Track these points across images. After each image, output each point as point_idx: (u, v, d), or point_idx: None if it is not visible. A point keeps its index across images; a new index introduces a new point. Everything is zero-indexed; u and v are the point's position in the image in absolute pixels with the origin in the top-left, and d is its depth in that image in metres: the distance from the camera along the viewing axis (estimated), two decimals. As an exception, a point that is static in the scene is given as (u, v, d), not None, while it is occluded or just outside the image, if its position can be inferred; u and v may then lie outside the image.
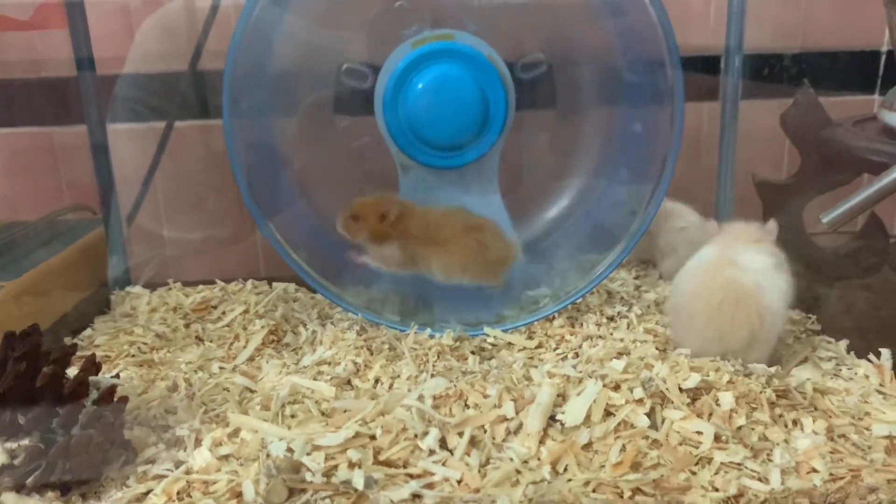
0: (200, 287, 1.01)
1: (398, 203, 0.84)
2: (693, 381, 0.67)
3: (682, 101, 0.83)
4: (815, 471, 0.60)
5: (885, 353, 0.76)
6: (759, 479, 0.59)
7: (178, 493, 0.59)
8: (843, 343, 0.81)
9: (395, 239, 0.84)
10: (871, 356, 0.77)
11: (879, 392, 0.71)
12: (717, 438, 0.63)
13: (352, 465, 0.60)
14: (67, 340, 0.86)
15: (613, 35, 0.89)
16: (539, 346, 0.82)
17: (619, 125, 0.92)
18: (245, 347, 0.83)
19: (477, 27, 0.86)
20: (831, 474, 0.60)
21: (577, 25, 0.90)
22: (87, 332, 0.89)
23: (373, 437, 0.63)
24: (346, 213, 0.84)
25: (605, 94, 0.93)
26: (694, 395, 0.68)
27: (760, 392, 0.67)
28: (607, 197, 0.93)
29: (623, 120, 0.92)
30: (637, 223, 0.87)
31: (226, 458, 0.62)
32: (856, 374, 0.75)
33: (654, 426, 0.65)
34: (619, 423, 0.65)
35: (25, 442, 0.57)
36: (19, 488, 0.58)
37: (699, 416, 0.65)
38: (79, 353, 0.72)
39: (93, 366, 0.63)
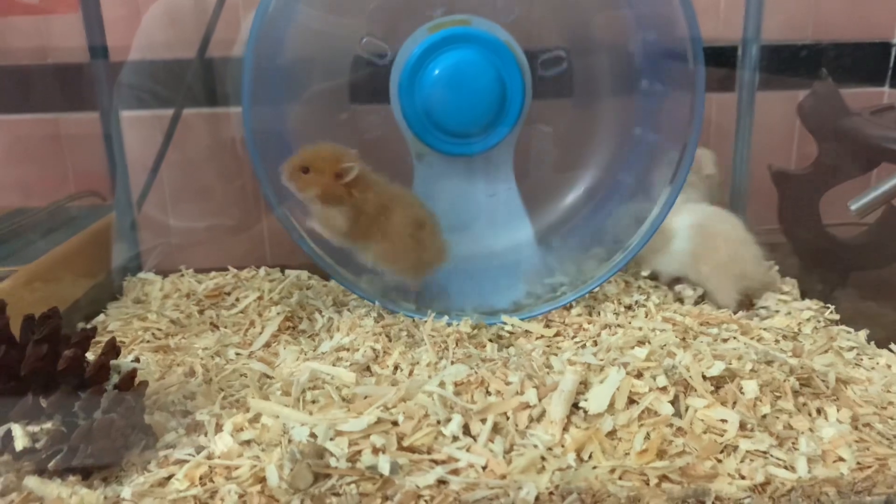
0: (213, 274, 1.00)
1: (356, 161, 0.77)
2: (717, 368, 0.67)
3: (703, 91, 0.82)
4: (841, 459, 0.60)
5: (906, 342, 0.76)
6: (786, 468, 0.59)
7: (201, 478, 0.58)
8: (864, 333, 0.80)
9: (347, 205, 0.77)
10: (893, 346, 0.77)
11: (902, 382, 0.71)
12: (741, 426, 0.63)
13: (376, 451, 0.59)
14: (80, 326, 0.85)
15: (633, 24, 0.88)
16: (557, 334, 0.82)
17: (637, 115, 0.92)
18: (261, 334, 0.82)
19: (493, 13, 0.85)
20: (858, 463, 0.59)
21: (596, 12, 0.90)
22: (100, 317, 0.89)
23: (395, 424, 0.63)
24: (296, 161, 0.76)
25: (624, 84, 0.92)
26: (717, 383, 0.67)
27: (784, 381, 0.67)
28: (624, 186, 0.93)
29: (641, 110, 0.91)
30: (655, 212, 0.87)
31: (247, 443, 0.62)
32: (877, 363, 0.75)
33: (678, 414, 0.64)
34: (642, 411, 0.64)
35: (48, 425, 0.57)
36: (41, 472, 0.57)
37: (723, 404, 0.65)
38: (95, 339, 0.71)
39: (113, 349, 0.63)
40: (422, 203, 0.84)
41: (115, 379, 0.62)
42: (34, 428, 0.56)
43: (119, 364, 0.64)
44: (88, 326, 0.80)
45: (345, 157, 0.77)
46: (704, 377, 0.67)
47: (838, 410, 0.66)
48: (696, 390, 0.66)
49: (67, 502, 0.55)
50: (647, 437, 0.62)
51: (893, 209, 0.91)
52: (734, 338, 0.78)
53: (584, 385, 0.67)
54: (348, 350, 0.77)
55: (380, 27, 0.89)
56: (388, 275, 0.86)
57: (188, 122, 1.10)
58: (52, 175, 1.15)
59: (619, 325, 0.82)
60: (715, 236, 0.89)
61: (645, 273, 0.95)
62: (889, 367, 0.74)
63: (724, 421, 0.63)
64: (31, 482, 0.57)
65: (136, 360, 0.71)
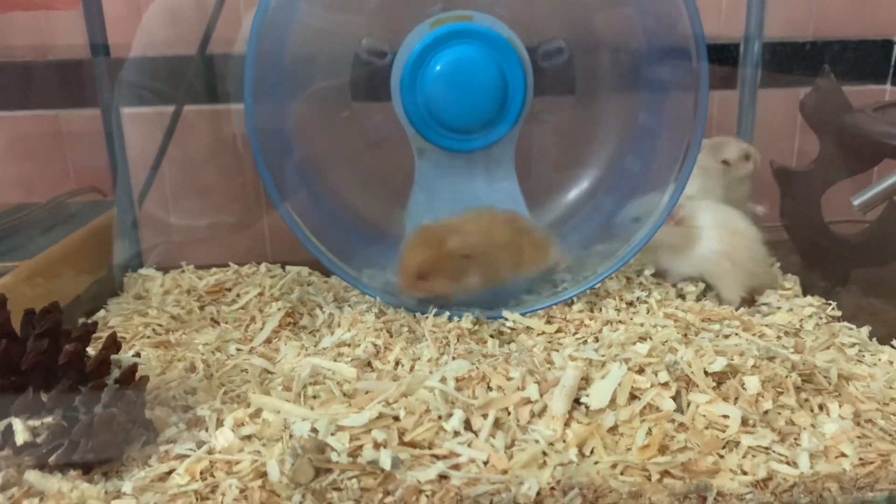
0: (213, 270, 1.00)
1: (447, 237, 0.80)
2: (719, 364, 0.67)
3: (707, 88, 0.82)
4: (843, 455, 0.60)
5: (909, 339, 0.76)
6: (788, 463, 0.59)
7: (202, 472, 0.58)
8: (865, 329, 0.80)
9: (468, 265, 0.81)
10: (895, 342, 0.77)
11: (904, 378, 0.71)
12: (743, 422, 0.62)
13: (377, 446, 0.59)
14: (81, 321, 0.85)
15: (636, 21, 0.88)
16: (559, 330, 0.82)
17: (639, 113, 0.92)
18: (262, 329, 0.82)
19: (495, 9, 0.85)
20: (860, 459, 0.59)
21: (599, 10, 0.89)
22: (101, 313, 0.89)
23: (396, 419, 0.63)
24: (410, 275, 0.80)
25: (626, 81, 0.92)
26: (719, 378, 0.67)
27: (786, 376, 0.67)
28: (626, 183, 0.93)
29: (643, 107, 0.91)
30: (658, 209, 0.87)
31: (248, 438, 0.62)
32: (879, 360, 0.75)
33: (679, 410, 0.64)
34: (644, 407, 0.64)
35: (48, 420, 0.56)
36: (42, 467, 0.57)
37: (725, 400, 0.65)
38: (96, 334, 0.71)
39: (113, 344, 0.62)
40: (490, 207, 0.86)
41: (115, 374, 0.61)
42: (35, 422, 0.56)
43: (120, 359, 0.64)
44: (89, 322, 0.79)
45: (442, 238, 0.80)
46: (706, 373, 0.67)
47: (840, 406, 0.65)
48: (697, 386, 0.66)
49: (68, 497, 0.55)
50: (649, 432, 0.62)
51: (894, 205, 0.91)
52: (736, 334, 0.78)
53: (586, 381, 0.67)
54: (349, 345, 0.77)
55: (381, 24, 0.89)
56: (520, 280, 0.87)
57: (189, 120, 1.10)
58: (53, 171, 1.15)
59: (620, 322, 0.82)
60: (739, 235, 0.89)
61: (649, 272, 0.94)
62: (891, 363, 0.74)
63: (725, 416, 0.63)
64: (32, 477, 0.57)
65: (137, 355, 0.71)
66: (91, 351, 0.62)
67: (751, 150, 1.01)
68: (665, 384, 0.66)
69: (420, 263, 0.80)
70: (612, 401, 0.64)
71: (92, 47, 0.99)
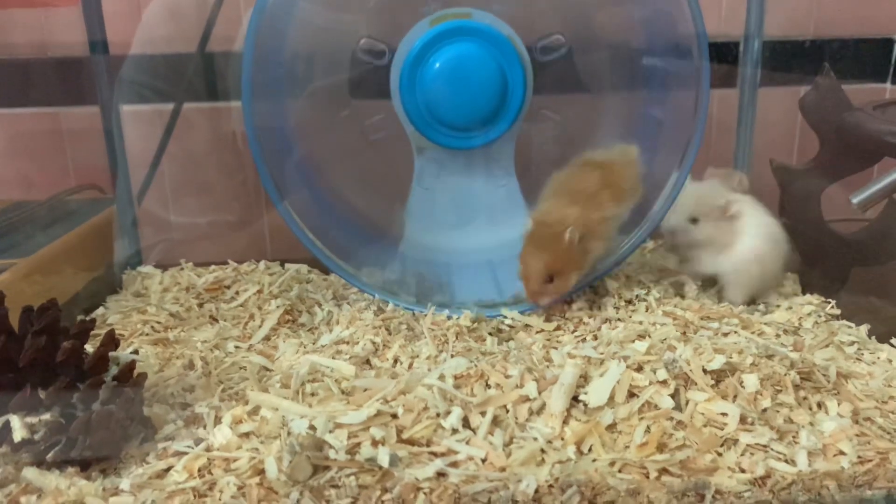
0: (212, 267, 1.00)
1: (551, 222, 0.79)
2: (718, 362, 0.67)
3: (708, 87, 0.82)
4: (842, 453, 0.60)
5: (908, 337, 0.76)
6: (786, 461, 0.59)
7: (200, 469, 0.58)
8: (864, 328, 0.80)
9: (591, 244, 0.80)
10: (894, 340, 0.76)
11: (903, 376, 0.71)
12: (742, 420, 0.62)
13: (375, 443, 0.59)
14: (79, 318, 0.85)
15: (637, 19, 0.88)
16: (557, 328, 0.82)
17: (640, 111, 0.91)
18: (261, 327, 0.82)
19: (494, 7, 0.85)
20: (859, 457, 0.59)
21: (598, 7, 0.89)
22: (100, 310, 0.89)
23: (394, 416, 0.63)
24: (538, 282, 0.78)
25: (627, 79, 0.92)
26: (718, 376, 0.67)
27: (785, 374, 0.67)
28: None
29: (644, 106, 0.91)
30: (657, 208, 0.87)
31: (247, 435, 0.62)
32: (878, 358, 0.75)
33: (678, 408, 0.64)
34: (642, 405, 0.64)
35: (46, 417, 0.56)
36: (39, 464, 0.57)
37: (724, 398, 0.65)
38: (94, 332, 0.71)
39: (112, 341, 0.62)
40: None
41: (113, 371, 0.61)
42: (32, 419, 0.56)
43: (118, 356, 0.64)
44: (87, 319, 0.79)
45: (554, 233, 0.78)
46: (705, 371, 0.67)
47: (839, 404, 0.65)
48: (696, 384, 0.66)
49: (66, 494, 0.55)
50: (648, 430, 0.62)
51: (893, 204, 0.91)
52: (735, 332, 0.78)
53: (584, 378, 0.67)
54: (348, 343, 0.77)
55: (380, 22, 0.89)
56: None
57: (189, 117, 1.10)
58: (53, 169, 1.15)
59: (619, 320, 0.82)
60: (775, 243, 0.88)
61: (692, 291, 0.89)
62: (890, 361, 0.74)
63: (724, 414, 0.63)
64: (30, 473, 0.57)
65: (136, 351, 0.71)
66: (89, 348, 0.62)
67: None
68: (664, 382, 0.66)
69: (545, 267, 0.78)
70: (611, 399, 0.64)
71: (91, 45, 0.98)
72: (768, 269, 0.88)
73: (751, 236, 0.87)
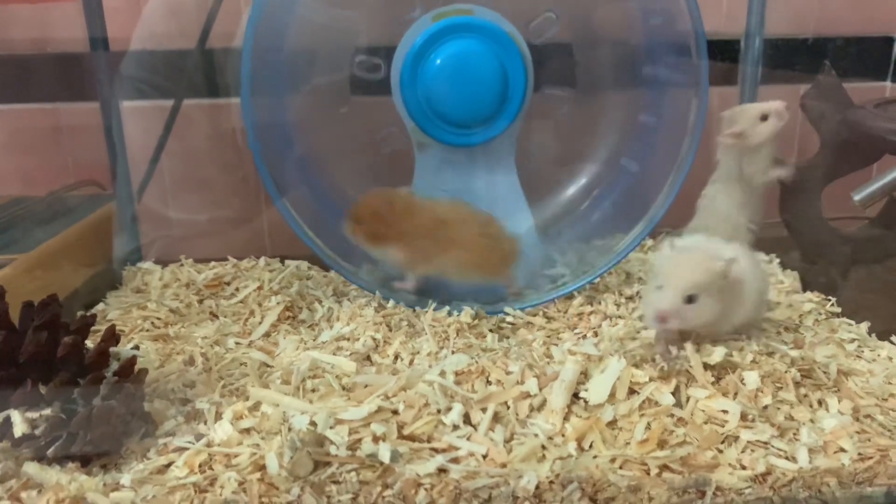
0: (213, 264, 1.00)
1: (399, 199, 0.81)
2: (718, 354, 0.67)
3: (707, 85, 0.82)
4: (842, 450, 0.60)
5: (908, 335, 0.76)
6: (787, 458, 0.59)
7: (200, 465, 0.58)
8: (865, 325, 0.80)
9: (397, 240, 0.81)
10: (894, 338, 0.76)
11: (903, 374, 0.71)
12: (743, 417, 0.62)
13: (376, 439, 0.59)
14: (79, 314, 0.85)
15: (638, 17, 0.88)
16: (558, 324, 0.82)
17: (640, 109, 0.91)
18: (261, 323, 0.82)
19: (496, 4, 0.85)
20: (859, 454, 0.59)
21: (601, 5, 0.89)
22: (100, 306, 0.89)
23: (395, 412, 0.63)
24: (349, 215, 0.81)
25: (627, 77, 0.92)
26: (718, 374, 0.67)
27: (785, 372, 0.67)
28: (626, 178, 0.92)
29: (644, 103, 0.91)
30: (656, 205, 0.87)
31: (247, 431, 0.62)
32: (878, 355, 0.75)
33: (678, 404, 0.64)
34: (643, 401, 0.64)
35: (47, 412, 0.56)
36: (40, 459, 0.57)
37: (724, 395, 0.65)
38: (94, 327, 0.71)
39: (112, 337, 0.62)
40: (468, 203, 0.85)
41: (114, 366, 0.61)
42: (33, 414, 0.56)
43: (119, 352, 0.64)
44: (87, 314, 0.79)
45: (383, 200, 0.80)
46: (706, 367, 0.67)
47: (839, 402, 0.65)
48: (696, 381, 0.66)
49: (66, 489, 0.55)
50: (648, 426, 0.62)
51: (893, 202, 0.91)
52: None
53: (585, 375, 0.67)
54: (348, 339, 0.77)
55: (379, 20, 0.89)
56: (479, 283, 0.86)
57: (189, 114, 1.09)
58: (53, 165, 1.15)
59: (619, 316, 0.82)
60: (763, 294, 0.78)
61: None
62: (890, 359, 0.74)
63: (725, 412, 0.63)
64: (31, 468, 0.57)
65: (136, 347, 0.71)
66: (90, 344, 0.62)
67: (770, 107, 0.89)
68: (664, 379, 0.66)
69: (365, 208, 0.80)
70: (612, 395, 0.64)
71: (91, 41, 0.98)
72: (757, 317, 0.77)
73: (750, 293, 0.72)
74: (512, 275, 0.87)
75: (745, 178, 0.92)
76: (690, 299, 0.66)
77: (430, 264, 0.84)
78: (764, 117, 0.89)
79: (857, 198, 0.68)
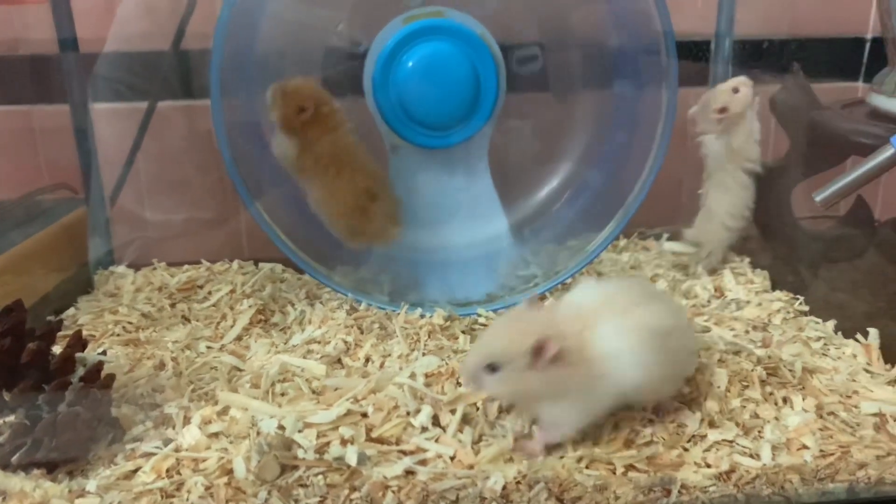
0: (186, 267, 1.00)
1: (325, 103, 0.79)
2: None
3: (676, 86, 0.83)
4: (805, 447, 0.61)
5: (873, 332, 0.77)
6: (751, 455, 0.60)
7: (168, 470, 0.58)
8: (831, 323, 0.81)
9: (298, 138, 0.79)
10: (859, 336, 0.78)
11: (867, 371, 0.72)
12: (708, 416, 0.63)
13: (344, 442, 0.59)
14: (49, 319, 0.84)
15: (607, 18, 0.88)
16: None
17: (610, 109, 0.92)
18: (233, 327, 0.82)
19: (467, 6, 0.85)
20: (821, 451, 0.60)
21: (572, 7, 0.90)
22: (71, 311, 0.88)
23: (364, 415, 0.63)
24: (278, 87, 0.79)
25: (598, 77, 0.92)
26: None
27: (751, 370, 0.68)
28: (597, 179, 0.93)
29: (615, 104, 0.92)
30: (627, 205, 0.87)
31: (216, 435, 0.62)
32: (843, 353, 0.76)
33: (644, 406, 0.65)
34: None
35: (10, 419, 0.56)
36: (4, 466, 0.57)
37: (692, 396, 0.66)
38: (62, 332, 0.70)
39: (79, 342, 0.62)
40: (384, 181, 0.84)
41: (81, 372, 0.61)
42: (-3, 421, 0.56)
43: (85, 357, 0.64)
44: (55, 320, 0.79)
45: (312, 97, 0.78)
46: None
47: (804, 399, 0.66)
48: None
49: (31, 496, 0.54)
50: (616, 426, 0.62)
51: (862, 201, 0.92)
52: (707, 329, 0.78)
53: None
54: (320, 342, 0.77)
55: (353, 18, 0.89)
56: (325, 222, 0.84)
57: (165, 115, 1.09)
58: (25, 168, 1.13)
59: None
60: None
61: None
62: (855, 356, 0.75)
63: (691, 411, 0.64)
64: (-6, 476, 0.56)
65: (104, 353, 0.71)
66: (59, 349, 0.62)
67: (736, 80, 0.93)
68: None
69: (292, 89, 0.78)
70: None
71: (60, 42, 0.97)
72: None
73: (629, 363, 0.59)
74: (357, 246, 0.84)
75: (736, 159, 0.93)
76: (492, 368, 0.57)
77: (300, 173, 0.82)
78: (735, 90, 0.92)
79: (818, 198, 0.69)
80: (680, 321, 0.64)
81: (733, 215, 0.94)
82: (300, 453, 0.58)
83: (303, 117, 0.78)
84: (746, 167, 0.94)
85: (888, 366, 0.73)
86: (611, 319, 0.59)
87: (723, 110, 0.92)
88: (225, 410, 0.65)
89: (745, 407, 0.65)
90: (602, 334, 0.58)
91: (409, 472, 0.57)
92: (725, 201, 0.94)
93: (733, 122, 0.93)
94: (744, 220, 0.95)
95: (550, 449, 0.60)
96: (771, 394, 0.67)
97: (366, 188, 0.81)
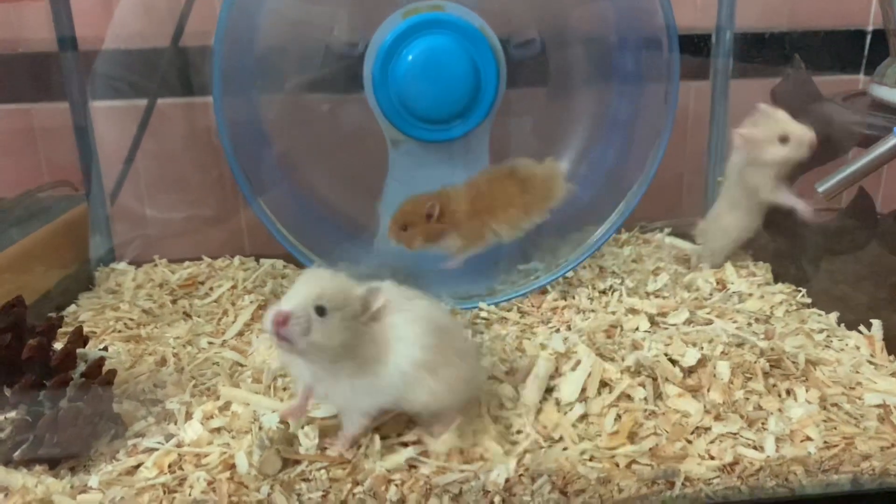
0: (187, 263, 0.99)
1: (435, 197, 0.81)
2: (692, 357, 0.67)
3: (678, 80, 0.82)
4: (809, 439, 0.60)
5: (876, 324, 0.76)
6: (755, 447, 0.60)
7: (170, 465, 0.58)
8: (834, 315, 0.81)
9: (451, 229, 0.81)
10: (862, 327, 0.77)
11: (870, 363, 0.72)
12: (713, 408, 0.63)
13: (346, 438, 0.59)
14: (49, 316, 0.84)
15: (610, 12, 0.88)
16: (532, 319, 0.82)
17: (612, 103, 0.92)
18: (234, 323, 0.82)
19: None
20: (825, 442, 0.60)
21: (573, 1, 0.90)
22: (72, 308, 0.88)
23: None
24: (394, 225, 0.81)
25: (599, 71, 0.92)
26: (690, 367, 0.68)
27: (755, 362, 0.68)
28: (598, 173, 0.93)
29: (615, 97, 0.91)
30: (628, 198, 0.87)
31: (217, 430, 0.62)
32: (846, 345, 0.75)
33: (649, 397, 0.65)
34: (614, 395, 0.64)
35: (12, 415, 0.56)
36: (6, 462, 0.57)
37: (696, 389, 0.65)
38: (63, 329, 0.70)
39: (80, 338, 0.62)
40: (490, 167, 0.85)
41: (82, 368, 0.61)
42: (-2, 417, 0.56)
43: (87, 353, 0.64)
44: (56, 316, 0.79)
45: (423, 201, 0.80)
46: (673, 362, 0.68)
47: (807, 391, 0.66)
48: (668, 379, 0.66)
49: (33, 492, 0.54)
50: (618, 418, 0.62)
51: (864, 194, 0.92)
52: (709, 321, 0.78)
53: (557, 369, 0.67)
54: (321, 337, 0.77)
55: (353, 14, 0.89)
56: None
57: (165, 112, 1.09)
58: (25, 166, 1.13)
59: (592, 310, 0.82)
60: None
61: None
62: (857, 348, 0.75)
63: (694, 403, 0.64)
64: (-4, 472, 0.56)
65: (105, 348, 0.71)
66: (60, 346, 0.62)
67: (795, 132, 0.82)
68: (635, 372, 0.66)
69: (404, 215, 0.81)
70: (583, 390, 0.65)
71: (59, 40, 0.97)
72: None
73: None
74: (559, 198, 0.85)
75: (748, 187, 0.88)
76: (321, 311, 0.53)
77: (485, 237, 0.83)
78: (784, 139, 0.83)
79: (821, 189, 0.69)
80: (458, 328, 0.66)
81: (738, 229, 0.92)
82: (302, 448, 0.58)
83: (436, 218, 0.80)
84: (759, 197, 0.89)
85: (891, 357, 0.73)
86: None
87: (748, 139, 0.85)
88: (227, 405, 0.65)
89: (748, 399, 0.65)
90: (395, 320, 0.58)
91: (412, 466, 0.57)
92: (733, 217, 0.92)
93: (757, 162, 0.85)
94: (748, 233, 0.92)
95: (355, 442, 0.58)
96: (774, 386, 0.67)
97: (509, 174, 0.83)
